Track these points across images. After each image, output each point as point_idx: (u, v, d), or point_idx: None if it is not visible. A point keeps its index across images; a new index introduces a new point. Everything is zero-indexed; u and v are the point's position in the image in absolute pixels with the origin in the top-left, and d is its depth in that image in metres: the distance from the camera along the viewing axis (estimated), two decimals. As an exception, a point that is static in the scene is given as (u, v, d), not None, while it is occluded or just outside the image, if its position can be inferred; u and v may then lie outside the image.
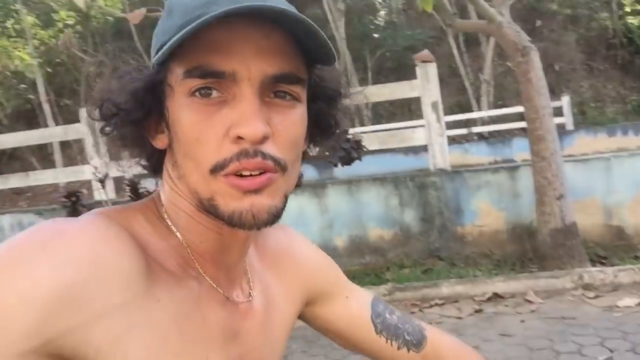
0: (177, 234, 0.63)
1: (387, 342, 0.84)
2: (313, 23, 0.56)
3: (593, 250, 4.36)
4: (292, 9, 0.57)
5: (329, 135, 0.70)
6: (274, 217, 0.59)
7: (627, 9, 13.64)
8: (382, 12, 17.69)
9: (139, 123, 0.61)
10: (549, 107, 4.36)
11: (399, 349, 0.84)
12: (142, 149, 0.65)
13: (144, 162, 0.67)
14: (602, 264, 4.09)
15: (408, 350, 0.84)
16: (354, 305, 0.84)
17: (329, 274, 0.84)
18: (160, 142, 0.63)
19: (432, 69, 4.88)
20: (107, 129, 0.62)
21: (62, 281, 0.50)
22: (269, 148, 0.57)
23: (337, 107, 0.69)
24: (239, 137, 0.56)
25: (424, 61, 4.79)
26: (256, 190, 0.57)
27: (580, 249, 4.21)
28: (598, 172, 4.55)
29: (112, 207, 0.63)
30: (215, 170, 0.57)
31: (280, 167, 0.58)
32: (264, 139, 0.56)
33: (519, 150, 8.60)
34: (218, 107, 0.57)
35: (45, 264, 0.50)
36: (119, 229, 0.57)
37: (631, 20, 13.75)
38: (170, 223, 0.63)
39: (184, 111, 0.57)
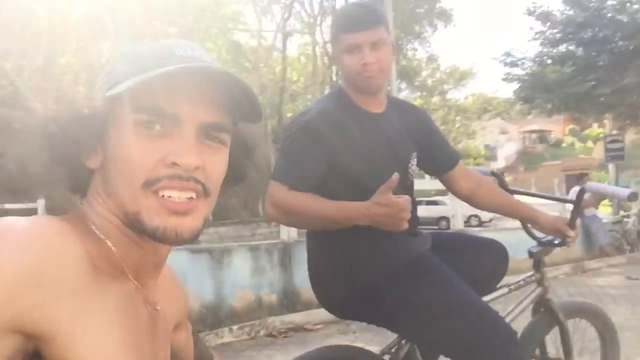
0: (107, 242, 0.71)
1: None
2: (248, 86, 0.73)
3: None
4: (230, 72, 0.72)
5: (239, 179, 0.85)
6: (194, 236, 0.71)
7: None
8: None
9: (82, 143, 0.72)
10: None
11: None
12: (74, 167, 0.74)
13: (71, 180, 0.76)
14: None
15: None
16: (188, 334, 1.00)
17: (187, 305, 0.98)
18: (93, 162, 0.73)
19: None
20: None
21: (23, 266, 0.57)
22: (199, 175, 0.70)
23: (250, 158, 0.85)
24: (174, 164, 0.68)
25: None
26: (183, 213, 0.70)
27: None
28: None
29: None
30: (147, 185, 0.68)
31: (206, 192, 0.72)
32: (196, 169, 0.70)
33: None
34: (158, 138, 0.70)
35: (6, 251, 0.57)
36: (67, 225, 0.65)
37: None
38: (99, 233, 0.71)
39: (127, 138, 0.69)
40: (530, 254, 1.99)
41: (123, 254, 0.72)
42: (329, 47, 26.75)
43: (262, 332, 4.54)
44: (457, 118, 33.00)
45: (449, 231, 8.54)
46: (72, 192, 0.78)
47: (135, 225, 0.70)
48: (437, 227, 15.80)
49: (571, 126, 43.30)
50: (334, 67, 25.10)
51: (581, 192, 1.90)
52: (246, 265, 5.21)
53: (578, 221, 1.92)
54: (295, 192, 1.52)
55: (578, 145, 43.82)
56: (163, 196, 0.69)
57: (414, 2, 24.16)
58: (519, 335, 1.74)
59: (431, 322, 1.58)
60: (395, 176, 1.40)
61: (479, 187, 1.93)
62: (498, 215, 6.96)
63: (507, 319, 1.87)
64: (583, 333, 2.20)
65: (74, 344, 0.59)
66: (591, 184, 1.93)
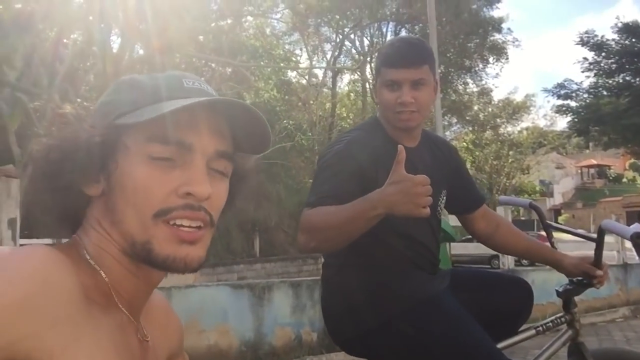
0: (102, 272, 0.72)
1: None
2: (263, 118, 0.76)
3: None
4: (248, 105, 0.76)
5: (231, 207, 0.85)
6: (201, 265, 0.74)
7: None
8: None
9: (85, 172, 0.73)
10: None
11: None
12: (73, 195, 0.74)
13: (64, 208, 0.77)
14: None
15: None
16: None
17: (182, 337, 0.97)
18: (94, 190, 0.74)
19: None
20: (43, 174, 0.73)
21: (16, 295, 0.58)
22: (208, 206, 0.73)
23: (245, 187, 0.88)
24: (188, 194, 0.70)
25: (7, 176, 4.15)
26: (192, 242, 0.72)
27: None
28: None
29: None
30: (159, 215, 0.70)
31: (212, 222, 0.75)
32: (208, 198, 0.72)
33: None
34: (170, 168, 0.72)
35: (0, 281, 0.58)
36: (61, 256, 0.66)
37: None
38: (94, 263, 0.72)
39: (139, 167, 0.71)
40: (559, 294, 1.91)
41: (116, 284, 0.73)
42: (378, 83, 26.90)
43: (299, 372, 4.48)
44: (511, 152, 32.12)
45: (472, 268, 8.23)
46: (64, 221, 0.78)
47: (142, 255, 0.71)
48: (489, 266, 15.28)
49: (632, 160, 41.44)
50: (383, 103, 25.22)
51: (601, 231, 1.82)
52: (287, 302, 5.19)
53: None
54: (315, 208, 1.48)
55: (640, 180, 41.82)
56: (174, 225, 0.71)
57: (464, 37, 24.11)
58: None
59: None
60: (401, 148, 1.34)
61: (498, 229, 1.88)
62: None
63: None
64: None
65: None
66: (608, 222, 1.84)
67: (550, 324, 1.88)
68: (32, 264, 0.62)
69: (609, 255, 9.14)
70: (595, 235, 1.86)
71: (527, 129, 35.83)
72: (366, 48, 24.95)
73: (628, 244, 1.93)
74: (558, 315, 1.91)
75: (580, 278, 1.87)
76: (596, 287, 1.82)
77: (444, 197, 1.77)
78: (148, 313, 0.83)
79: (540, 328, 1.86)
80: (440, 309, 1.58)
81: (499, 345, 1.77)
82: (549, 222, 2.04)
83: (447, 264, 1.88)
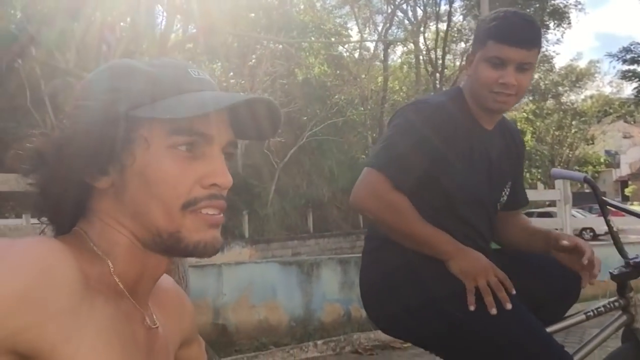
0: (109, 261, 0.71)
1: None
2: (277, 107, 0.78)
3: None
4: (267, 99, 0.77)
5: None
6: (221, 247, 0.76)
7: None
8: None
9: (95, 165, 0.71)
10: None
11: None
12: (76, 187, 0.73)
13: (68, 200, 0.75)
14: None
15: None
16: (200, 350, 0.99)
17: (195, 322, 0.97)
18: (103, 182, 0.72)
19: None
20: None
21: (17, 285, 0.58)
22: (224, 194, 0.74)
23: None
24: (213, 185, 0.72)
25: None
26: (217, 226, 0.74)
27: None
28: (211, 278, 5.04)
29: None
30: (187, 206, 0.71)
31: (225, 209, 0.75)
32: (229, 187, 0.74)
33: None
34: (191, 160, 0.72)
35: (2, 272, 0.58)
36: (63, 246, 0.65)
37: None
38: (100, 253, 0.71)
39: (163, 159, 0.71)
40: (613, 277, 1.75)
41: (123, 273, 0.72)
42: (432, 54, 26.40)
43: (347, 348, 4.49)
44: (574, 122, 30.79)
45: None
46: (61, 211, 0.76)
47: (168, 244, 0.72)
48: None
49: None
50: (437, 75, 24.63)
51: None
52: (335, 278, 5.20)
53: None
54: (399, 194, 1.45)
55: None
56: (200, 212, 0.72)
57: (522, 1, 23.06)
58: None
59: (482, 351, 1.47)
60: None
61: (507, 222, 1.76)
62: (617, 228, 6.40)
63: (585, 350, 1.69)
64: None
65: None
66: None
67: (603, 308, 1.74)
68: (33, 254, 0.61)
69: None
70: None
71: (591, 97, 34.20)
72: (419, 18, 24.31)
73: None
74: (611, 299, 1.76)
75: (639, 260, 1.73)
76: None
77: (508, 189, 1.65)
78: (157, 299, 0.83)
79: (591, 313, 1.73)
80: (514, 311, 1.46)
81: (550, 330, 1.69)
82: (605, 198, 1.88)
83: (495, 244, 1.78)
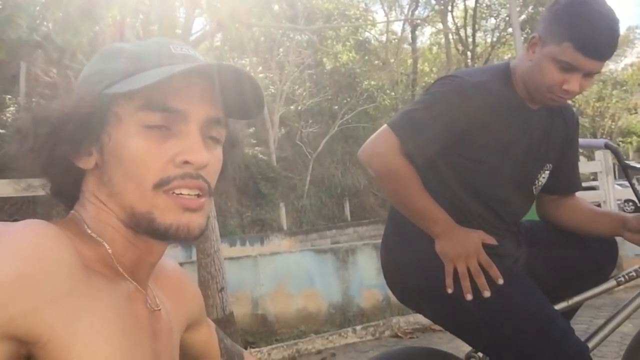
0: (105, 244, 0.71)
1: None
2: (258, 81, 0.74)
3: (243, 337, 4.74)
4: (242, 69, 0.73)
5: (224, 175, 0.82)
6: (202, 232, 0.72)
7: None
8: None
9: (76, 144, 0.70)
10: (213, 210, 4.68)
11: None
12: (64, 168, 0.72)
13: (57, 182, 0.76)
14: (252, 347, 4.42)
15: None
16: (209, 332, 0.97)
17: (201, 304, 0.95)
18: (86, 163, 0.72)
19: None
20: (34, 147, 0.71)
21: (13, 271, 0.56)
22: (205, 174, 0.71)
23: (236, 155, 0.85)
24: (186, 162, 0.68)
25: None
26: (194, 210, 0.70)
27: (236, 336, 4.51)
28: (248, 269, 5.04)
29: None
30: (159, 185, 0.68)
31: (210, 191, 0.72)
32: (205, 166, 0.70)
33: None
34: (165, 137, 0.69)
35: None
36: (58, 229, 0.64)
37: (247, 150, 15.02)
38: (95, 235, 0.71)
39: (134, 137, 0.68)
40: None
41: (119, 255, 0.71)
42: (462, 32, 25.85)
43: (386, 333, 4.46)
44: (615, 92, 29.70)
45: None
46: (57, 195, 0.77)
47: (143, 225, 0.69)
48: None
49: None
50: (468, 53, 24.13)
51: None
52: (372, 264, 5.16)
53: None
54: (405, 161, 1.43)
55: None
56: (174, 193, 0.69)
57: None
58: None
59: (490, 331, 1.46)
60: (492, 241, 1.45)
61: (561, 206, 1.68)
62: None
63: (622, 314, 1.63)
64: None
65: (68, 348, 0.59)
66: None
67: (634, 273, 1.66)
68: (28, 238, 0.60)
69: None
70: None
71: (631, 64, 32.87)
72: (446, -3, 23.82)
73: None
74: None
75: None
76: None
77: (547, 172, 1.58)
78: (160, 282, 0.82)
79: (622, 278, 1.66)
80: (510, 286, 1.45)
81: (575, 300, 1.62)
82: (628, 162, 1.81)
83: (532, 215, 1.71)
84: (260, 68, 18.75)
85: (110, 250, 0.70)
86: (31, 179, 0.78)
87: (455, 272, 1.43)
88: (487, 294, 1.40)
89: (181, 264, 5.53)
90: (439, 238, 1.45)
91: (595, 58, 1.34)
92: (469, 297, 1.41)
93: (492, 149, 1.46)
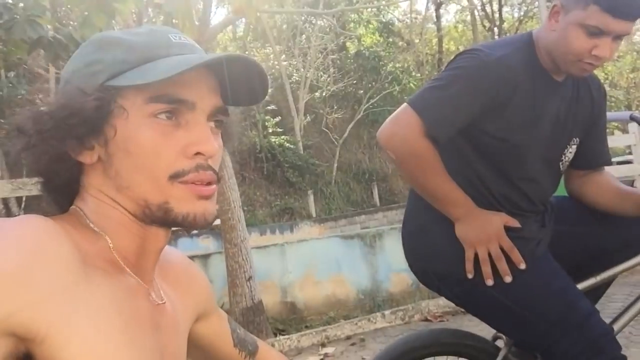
0: (107, 237, 0.70)
1: (239, 353, 0.97)
2: (263, 69, 0.74)
3: (273, 324, 4.80)
4: (251, 59, 0.72)
5: None
6: (215, 219, 0.74)
7: (270, 130, 16.59)
8: None
9: (79, 139, 0.69)
10: (238, 200, 4.82)
11: (244, 357, 0.97)
12: (65, 164, 0.71)
13: (56, 178, 0.74)
14: (282, 335, 4.45)
15: (249, 357, 0.98)
16: (221, 322, 0.96)
17: (211, 294, 0.94)
18: (88, 157, 0.71)
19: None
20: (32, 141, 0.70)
21: (10, 266, 0.56)
22: (212, 163, 0.71)
23: (230, 140, 0.85)
24: (197, 154, 0.69)
25: None
26: (207, 197, 0.71)
27: (266, 324, 4.62)
28: (275, 257, 5.07)
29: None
30: (174, 177, 0.69)
31: (217, 179, 0.73)
32: (215, 155, 0.71)
33: (184, 249, 7.99)
34: (174, 128, 0.69)
35: None
36: (55, 224, 0.64)
37: (273, 139, 16.40)
38: (97, 229, 0.70)
39: (144, 130, 0.68)
40: None
41: (121, 249, 0.71)
42: (487, 8, 25.27)
43: (416, 317, 4.43)
44: (650, 62, 28.66)
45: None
46: (55, 192, 0.76)
47: (158, 215, 0.70)
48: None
49: None
50: (495, 30, 23.60)
51: None
52: (399, 248, 5.08)
53: None
54: (428, 142, 1.36)
55: None
56: (190, 182, 0.70)
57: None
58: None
59: (511, 316, 1.43)
60: (515, 223, 1.40)
61: (587, 183, 1.61)
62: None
63: None
64: None
65: (66, 344, 0.58)
66: None
67: None
68: (26, 233, 0.60)
69: None
70: None
71: (668, 32, 31.66)
72: (470, -27, 23.30)
73: None
74: None
75: None
76: None
77: (574, 146, 1.52)
78: (166, 275, 0.82)
79: None
80: (532, 270, 1.41)
81: (603, 276, 1.57)
82: None
83: (562, 191, 1.65)
84: (284, 56, 18.71)
85: (111, 245, 0.70)
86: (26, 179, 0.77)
87: (476, 256, 1.39)
88: (508, 279, 1.37)
89: (211, 255, 5.67)
90: (459, 222, 1.40)
91: (625, 18, 1.28)
92: (490, 282, 1.38)
93: (517, 124, 1.40)
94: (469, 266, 1.39)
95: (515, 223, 1.41)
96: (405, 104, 1.42)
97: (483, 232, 1.37)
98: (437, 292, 1.61)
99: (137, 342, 0.66)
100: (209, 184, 0.71)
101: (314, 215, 15.11)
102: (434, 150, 1.38)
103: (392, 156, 1.43)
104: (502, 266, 1.37)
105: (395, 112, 1.43)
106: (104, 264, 0.67)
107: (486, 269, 1.37)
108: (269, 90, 0.79)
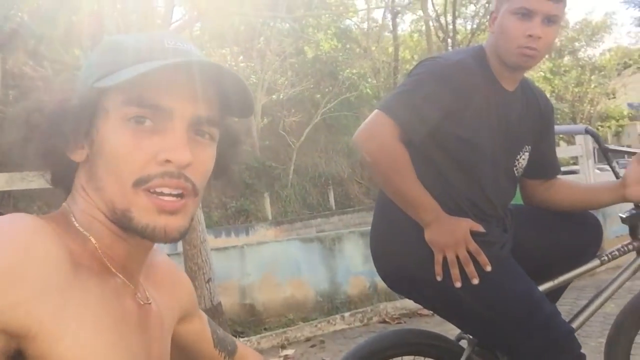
0: (91, 238, 0.70)
1: (219, 353, 0.99)
2: (242, 80, 0.71)
3: (232, 326, 4.77)
4: (229, 69, 0.71)
5: (223, 175, 0.83)
6: (182, 235, 0.71)
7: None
8: None
9: (67, 137, 0.71)
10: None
11: (224, 358, 0.99)
12: (57, 160, 0.73)
13: (52, 173, 0.76)
14: (241, 337, 4.45)
15: (229, 357, 1.00)
16: (202, 324, 0.97)
17: (194, 296, 0.95)
18: (78, 155, 0.72)
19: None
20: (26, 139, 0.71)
21: (1, 265, 0.56)
22: (190, 173, 0.69)
23: (236, 153, 0.84)
24: (167, 161, 0.67)
25: None
26: (172, 212, 0.69)
27: (225, 326, 4.55)
28: (235, 259, 5.05)
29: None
30: (139, 183, 0.67)
31: (195, 191, 0.71)
32: (188, 165, 0.68)
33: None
34: (149, 134, 0.68)
35: None
36: (44, 223, 0.64)
37: None
38: (82, 230, 0.70)
39: (117, 132, 0.68)
40: (623, 220, 1.72)
41: (107, 250, 0.71)
42: (442, 20, 25.89)
43: (374, 319, 4.50)
44: (593, 77, 30.04)
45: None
46: (55, 186, 0.78)
47: (123, 222, 0.69)
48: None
49: None
50: (449, 41, 24.20)
51: None
52: (358, 251, 5.20)
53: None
54: (402, 146, 1.44)
55: None
56: (154, 193, 0.68)
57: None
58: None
59: (479, 316, 1.49)
60: (480, 228, 1.46)
61: (552, 189, 1.71)
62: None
63: (605, 294, 1.69)
64: None
65: (57, 341, 0.59)
66: None
67: (617, 252, 1.71)
68: (16, 232, 0.60)
69: None
70: None
71: (609, 50, 33.29)
72: (426, -16, 23.80)
73: None
74: (625, 242, 1.73)
75: None
76: None
77: (527, 153, 1.61)
78: (151, 276, 0.82)
79: (606, 257, 1.70)
80: (498, 272, 1.48)
81: (560, 279, 1.66)
82: (607, 145, 1.89)
83: (518, 200, 1.73)
84: (241, 57, 18.61)
85: (97, 245, 0.70)
86: (26, 172, 0.77)
87: (445, 260, 1.45)
88: (475, 281, 1.43)
89: (168, 256, 5.50)
90: (428, 227, 1.46)
91: None
92: (458, 284, 1.44)
93: (476, 126, 1.48)
94: (438, 269, 1.45)
95: (480, 228, 1.48)
96: (376, 110, 1.48)
97: (451, 237, 1.43)
98: (407, 296, 1.67)
99: (125, 340, 0.67)
100: (180, 196, 0.69)
101: (270, 217, 15.09)
102: (406, 154, 1.44)
103: (367, 159, 1.48)
104: (470, 269, 1.44)
105: (369, 117, 1.48)
106: (91, 263, 0.68)
107: (455, 272, 1.44)
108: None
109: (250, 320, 4.82)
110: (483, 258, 1.44)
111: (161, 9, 5.07)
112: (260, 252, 5.19)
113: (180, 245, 4.85)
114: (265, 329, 4.59)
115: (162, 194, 0.68)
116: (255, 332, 4.53)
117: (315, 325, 4.33)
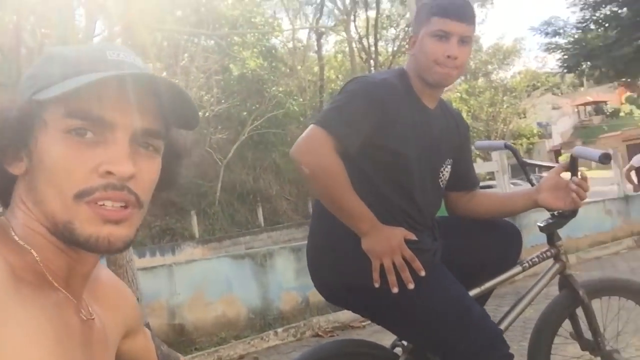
0: (33, 251, 0.69)
1: None
2: (186, 92, 0.72)
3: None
4: (169, 81, 0.72)
5: (169, 186, 0.83)
6: (127, 245, 0.70)
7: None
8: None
9: (5, 149, 0.69)
10: None
11: None
12: None
13: None
14: None
15: None
16: (146, 339, 0.98)
17: (138, 311, 0.96)
18: (17, 168, 0.71)
19: None
20: None
21: None
22: (133, 186, 0.69)
23: (182, 165, 0.84)
24: (109, 173, 0.67)
25: None
26: (116, 222, 0.68)
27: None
28: (163, 278, 4.98)
29: None
30: (80, 196, 0.66)
31: (139, 203, 0.70)
32: (130, 177, 0.68)
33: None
34: (90, 146, 0.67)
35: None
36: None
37: None
38: (23, 243, 0.69)
39: (57, 144, 0.67)
40: (541, 229, 1.89)
41: (49, 263, 0.70)
42: (364, 42, 26.70)
43: (307, 333, 4.53)
44: (505, 98, 31.90)
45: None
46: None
47: (65, 235, 0.68)
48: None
49: (627, 94, 41.10)
50: (371, 62, 24.95)
51: (573, 158, 1.77)
52: (290, 267, 5.22)
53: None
54: (338, 159, 1.50)
55: (637, 112, 41.54)
56: (96, 204, 0.67)
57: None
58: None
59: (415, 320, 1.58)
60: (413, 236, 1.54)
61: (472, 200, 1.85)
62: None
63: (526, 300, 1.83)
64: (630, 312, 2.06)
65: None
66: (578, 148, 1.81)
67: (537, 259, 1.86)
68: None
69: (610, 190, 9.17)
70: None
71: (519, 72, 35.52)
72: (348, 7, 24.49)
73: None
74: (543, 250, 1.89)
75: (560, 211, 1.83)
76: (576, 206, 1.73)
77: (449, 166, 1.73)
78: (95, 291, 0.81)
79: (527, 264, 1.85)
80: (431, 277, 1.57)
81: (486, 285, 1.78)
82: (524, 159, 2.04)
83: (442, 212, 1.84)
84: (165, 74, 18.21)
85: (38, 258, 0.69)
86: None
87: (382, 267, 1.52)
88: (411, 286, 1.51)
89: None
90: (365, 236, 1.53)
91: (458, 20, 1.56)
92: (395, 290, 1.51)
93: (404, 139, 1.58)
94: (376, 276, 1.52)
95: (413, 236, 1.56)
96: (311, 125, 1.55)
97: (387, 245, 1.51)
98: (344, 306, 1.73)
99: (68, 356, 0.66)
100: (123, 207, 0.69)
101: (197, 236, 14.76)
102: (342, 167, 1.51)
103: (306, 171, 1.53)
104: (406, 274, 1.51)
105: (305, 132, 1.55)
106: (32, 277, 0.67)
107: (392, 278, 1.51)
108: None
109: (180, 341, 4.68)
110: (417, 264, 1.52)
111: (82, 23, 4.93)
112: (189, 270, 5.08)
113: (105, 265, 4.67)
114: (196, 349, 4.48)
115: (104, 205, 0.67)
116: (185, 353, 4.40)
117: (249, 343, 4.29)
